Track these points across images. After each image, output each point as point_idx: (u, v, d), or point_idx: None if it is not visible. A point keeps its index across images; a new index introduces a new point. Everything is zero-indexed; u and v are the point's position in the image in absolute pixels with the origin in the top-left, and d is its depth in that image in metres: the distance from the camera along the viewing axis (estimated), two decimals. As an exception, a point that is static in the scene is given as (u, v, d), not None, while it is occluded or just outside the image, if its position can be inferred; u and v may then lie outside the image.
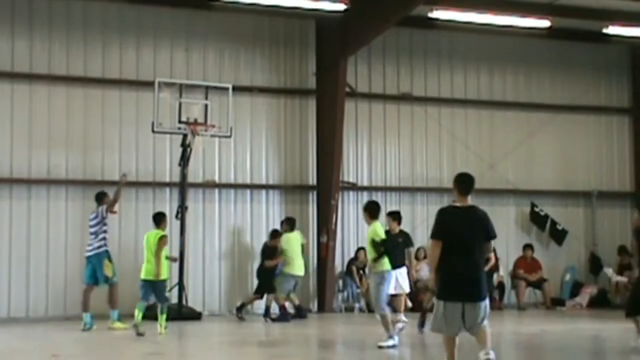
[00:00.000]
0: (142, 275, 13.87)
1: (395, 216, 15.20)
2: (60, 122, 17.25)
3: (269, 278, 16.65)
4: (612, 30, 18.96)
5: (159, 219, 14.41)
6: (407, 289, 14.87)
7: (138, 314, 13.53)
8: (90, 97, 17.51)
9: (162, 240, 13.93)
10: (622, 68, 21.80)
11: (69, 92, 17.38)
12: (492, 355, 8.25)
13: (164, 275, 13.94)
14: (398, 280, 14.84)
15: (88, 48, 17.57)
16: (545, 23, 18.37)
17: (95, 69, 17.59)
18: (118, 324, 14.53)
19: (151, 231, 14.28)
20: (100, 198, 14.97)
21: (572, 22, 19.41)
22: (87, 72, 17.53)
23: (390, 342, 11.84)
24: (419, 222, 19.43)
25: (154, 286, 13.85)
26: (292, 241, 16.61)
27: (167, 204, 17.64)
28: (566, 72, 21.14)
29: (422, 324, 13.69)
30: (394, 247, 15.18)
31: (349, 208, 19.23)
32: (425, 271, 18.86)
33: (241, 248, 18.32)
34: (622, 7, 18.37)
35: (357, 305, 18.43)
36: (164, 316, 13.88)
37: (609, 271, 19.99)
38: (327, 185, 18.45)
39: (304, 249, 17.09)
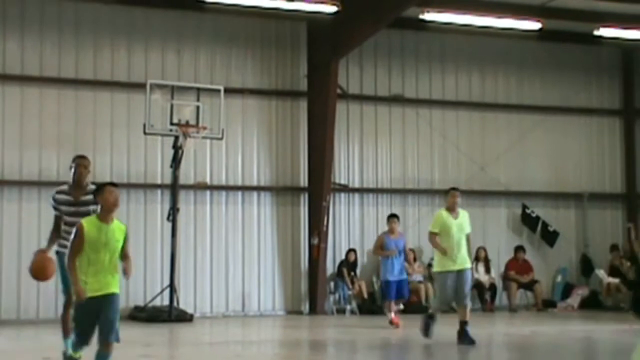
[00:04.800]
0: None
1: None
2: (51, 124, 17.21)
3: None
4: (603, 32, 18.98)
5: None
6: None
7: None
8: (81, 99, 17.48)
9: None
10: (613, 70, 21.86)
11: (60, 94, 17.35)
12: None
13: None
14: None
15: (79, 50, 17.54)
16: (536, 25, 18.39)
17: (86, 70, 17.56)
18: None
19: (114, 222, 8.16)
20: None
21: (563, 24, 19.45)
22: (79, 74, 17.49)
23: None
24: (411, 224, 19.45)
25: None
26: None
27: (159, 205, 17.64)
28: (557, 73, 21.18)
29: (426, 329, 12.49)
30: None
31: (340, 210, 19.23)
32: (418, 275, 18.93)
33: (233, 250, 18.30)
34: (613, 9, 18.42)
35: (348, 307, 18.43)
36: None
37: (600, 273, 20.02)
38: (319, 187, 18.44)
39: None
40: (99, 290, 7.86)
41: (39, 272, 9.51)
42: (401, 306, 16.16)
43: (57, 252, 9.91)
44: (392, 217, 15.81)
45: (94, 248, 7.87)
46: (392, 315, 15.12)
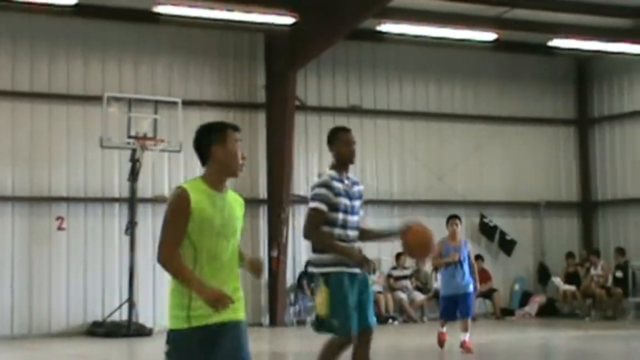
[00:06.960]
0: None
1: None
2: (5, 137, 16.99)
3: None
4: (558, 42, 19.25)
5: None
6: None
7: None
8: (36, 112, 17.27)
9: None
10: (567, 80, 22.13)
11: (14, 107, 17.12)
12: None
13: None
14: None
15: (34, 62, 17.33)
16: (492, 36, 18.59)
17: (41, 83, 17.36)
18: None
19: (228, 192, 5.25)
20: None
21: (518, 34, 19.66)
22: (34, 86, 17.30)
23: None
24: (370, 234, 19.48)
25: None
26: None
27: (117, 219, 17.47)
28: (513, 84, 21.39)
29: None
30: None
31: (300, 221, 19.14)
32: (377, 286, 18.96)
33: (192, 263, 18.16)
34: (567, 20, 18.66)
35: (308, 318, 18.40)
36: None
37: (556, 280, 20.25)
38: (278, 199, 18.42)
39: None
40: (215, 314, 4.86)
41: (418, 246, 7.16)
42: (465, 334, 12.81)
43: (312, 274, 6.98)
44: (452, 218, 13.05)
45: (205, 233, 4.91)
46: (443, 329, 12.88)
